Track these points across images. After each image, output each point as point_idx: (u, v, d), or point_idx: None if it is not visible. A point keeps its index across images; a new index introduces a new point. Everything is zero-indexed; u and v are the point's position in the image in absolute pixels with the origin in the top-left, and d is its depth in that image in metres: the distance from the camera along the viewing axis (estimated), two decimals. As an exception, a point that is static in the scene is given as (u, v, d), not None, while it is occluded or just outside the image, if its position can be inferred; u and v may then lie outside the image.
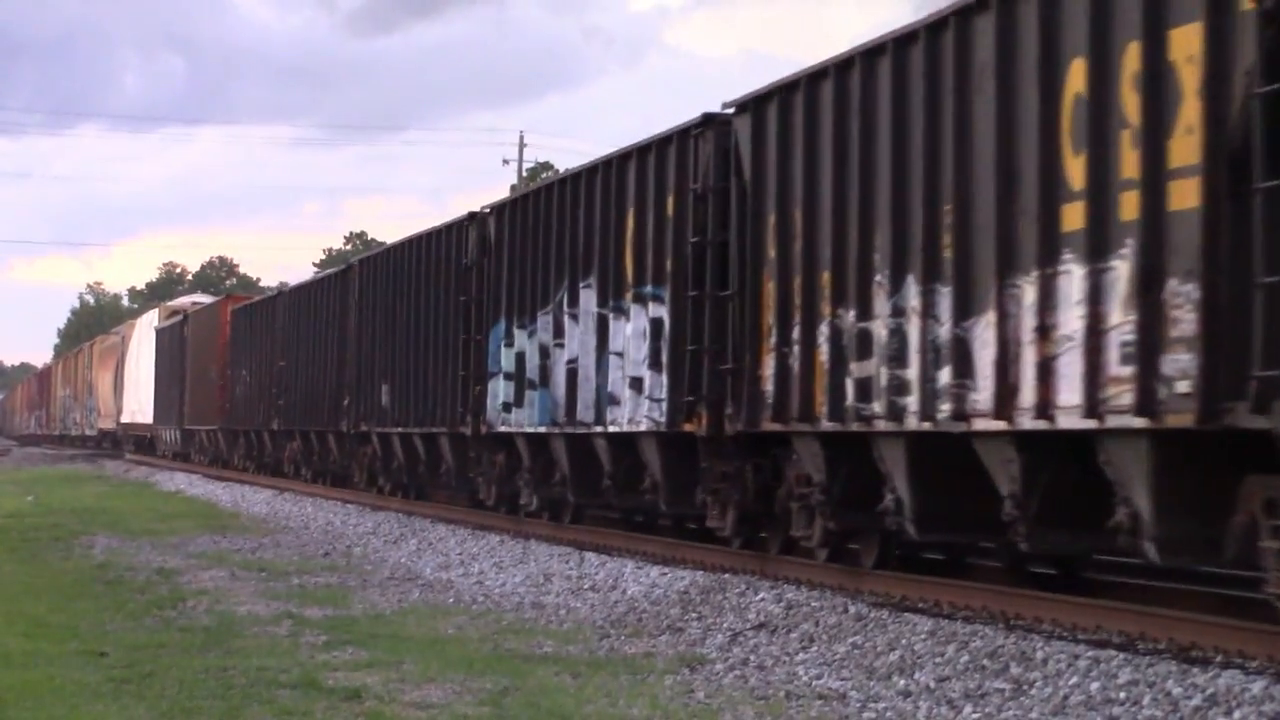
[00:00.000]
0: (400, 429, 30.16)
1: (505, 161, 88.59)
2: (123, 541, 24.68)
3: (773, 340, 17.07)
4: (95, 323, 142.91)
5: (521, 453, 24.54)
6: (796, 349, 16.63)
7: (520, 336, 24.17)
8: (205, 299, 65.22)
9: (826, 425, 16.05)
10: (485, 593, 18.35)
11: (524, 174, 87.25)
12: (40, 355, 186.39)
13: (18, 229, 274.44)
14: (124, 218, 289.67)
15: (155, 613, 16.02)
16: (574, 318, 22.11)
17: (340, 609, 16.55)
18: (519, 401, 24.15)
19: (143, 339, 66.23)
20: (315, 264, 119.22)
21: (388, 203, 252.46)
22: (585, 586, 18.21)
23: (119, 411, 71.94)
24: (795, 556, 17.81)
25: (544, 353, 23.10)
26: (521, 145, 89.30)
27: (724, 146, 18.38)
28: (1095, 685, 11.08)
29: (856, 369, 15.58)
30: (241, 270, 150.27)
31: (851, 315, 15.66)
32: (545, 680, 12.03)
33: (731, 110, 18.09)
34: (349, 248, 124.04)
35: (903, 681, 11.99)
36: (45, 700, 10.90)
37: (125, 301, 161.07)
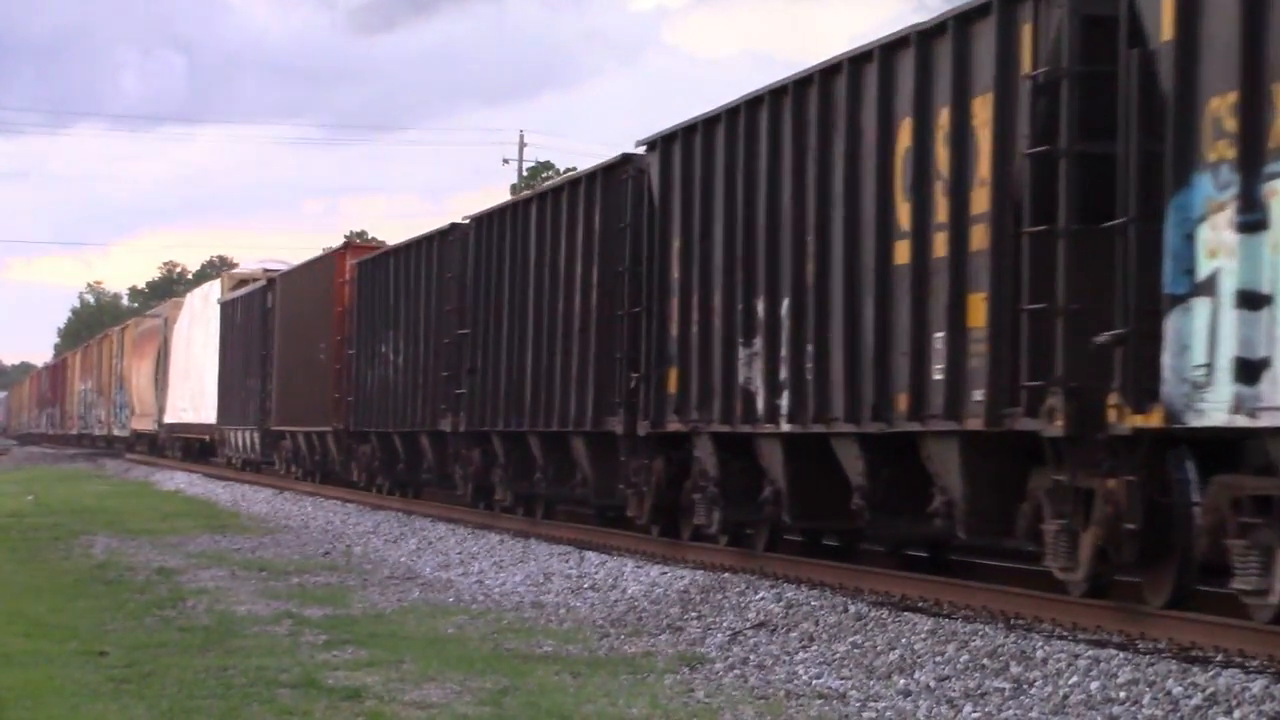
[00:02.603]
0: (791, 427, 16.68)
1: (505, 161, 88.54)
2: (122, 541, 24.67)
3: None
4: (95, 322, 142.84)
5: None
6: None
7: None
8: (278, 264, 48.48)
9: None
10: (485, 592, 18.34)
11: (524, 173, 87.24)
12: (40, 355, 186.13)
13: (17, 229, 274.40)
14: (123, 217, 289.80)
15: (155, 612, 16.02)
16: None
17: (340, 608, 16.54)
18: None
19: (197, 318, 52.48)
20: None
21: (387, 202, 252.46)
22: (585, 586, 18.21)
23: (161, 409, 58.16)
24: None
25: None
26: (521, 144, 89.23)
27: None
28: (1095, 684, 11.07)
29: None
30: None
31: None
32: (545, 679, 12.03)
33: None
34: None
35: (903, 681, 11.98)
36: (45, 700, 10.90)
37: (125, 301, 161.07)
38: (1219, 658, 11.73)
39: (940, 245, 14.35)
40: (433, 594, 18.10)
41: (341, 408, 34.29)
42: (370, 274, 33.00)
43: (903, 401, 14.79)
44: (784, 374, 16.77)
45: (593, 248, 21.75)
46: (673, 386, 19.18)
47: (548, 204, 23.44)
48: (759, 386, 17.28)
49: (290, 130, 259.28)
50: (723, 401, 17.99)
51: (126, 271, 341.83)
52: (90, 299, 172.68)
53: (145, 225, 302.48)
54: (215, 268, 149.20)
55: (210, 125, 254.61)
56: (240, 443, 45.54)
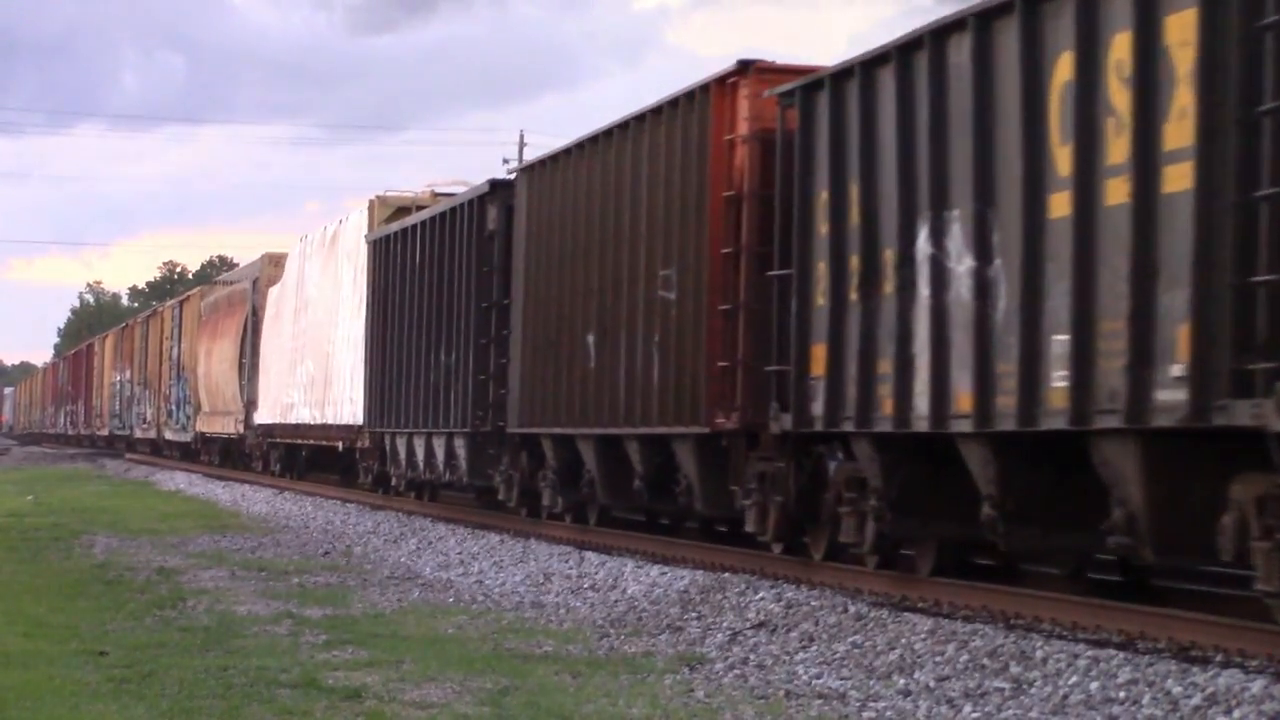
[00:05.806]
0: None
1: (505, 161, 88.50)
2: (123, 541, 24.66)
3: None
4: (95, 322, 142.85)
5: None
6: None
7: None
8: (454, 186, 31.32)
9: None
10: (485, 592, 18.35)
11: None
12: (40, 355, 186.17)
13: (17, 229, 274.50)
14: (123, 217, 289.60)
15: (155, 612, 16.02)
16: None
17: (340, 608, 16.55)
18: None
19: (317, 272, 36.23)
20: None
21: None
22: (585, 586, 18.21)
23: (251, 404, 42.36)
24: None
25: None
26: (521, 144, 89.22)
27: None
28: (1095, 684, 11.08)
29: None
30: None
31: None
32: (545, 679, 12.04)
33: None
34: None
35: (902, 681, 11.99)
36: (45, 700, 10.90)
37: (125, 301, 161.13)
38: (1219, 658, 11.74)
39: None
40: (433, 594, 18.10)
41: (741, 391, 17.72)
42: (840, 105, 15.80)
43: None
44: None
45: None
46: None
47: None
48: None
49: (290, 130, 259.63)
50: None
51: (126, 271, 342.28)
52: (90, 299, 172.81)
53: (145, 225, 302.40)
54: (215, 268, 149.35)
55: (210, 125, 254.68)
56: (419, 454, 28.29)
